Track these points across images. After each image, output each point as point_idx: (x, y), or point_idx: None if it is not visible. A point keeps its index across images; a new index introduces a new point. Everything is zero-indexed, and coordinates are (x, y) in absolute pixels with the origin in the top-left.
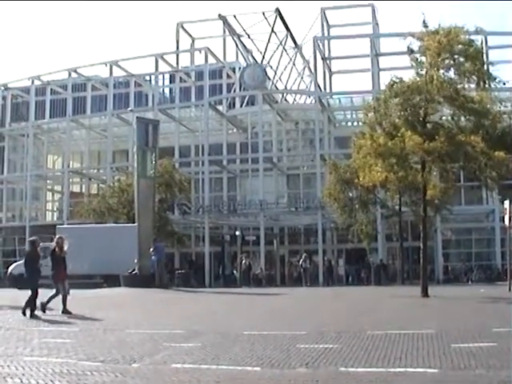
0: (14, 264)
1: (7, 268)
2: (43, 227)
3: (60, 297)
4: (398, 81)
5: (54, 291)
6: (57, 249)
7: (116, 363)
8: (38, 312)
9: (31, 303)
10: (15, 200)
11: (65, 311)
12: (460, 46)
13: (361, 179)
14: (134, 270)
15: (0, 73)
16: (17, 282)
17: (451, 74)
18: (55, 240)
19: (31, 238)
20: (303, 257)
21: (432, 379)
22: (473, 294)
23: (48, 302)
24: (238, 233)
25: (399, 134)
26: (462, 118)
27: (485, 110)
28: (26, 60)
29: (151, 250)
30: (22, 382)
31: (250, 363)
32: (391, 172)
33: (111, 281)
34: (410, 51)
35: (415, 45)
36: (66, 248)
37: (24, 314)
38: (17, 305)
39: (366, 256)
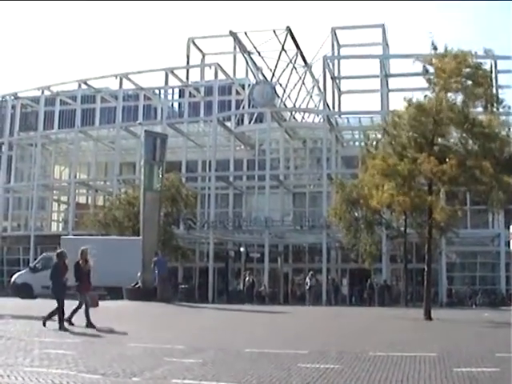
0: (18, 273)
1: (11, 277)
2: (48, 237)
3: (83, 309)
4: (408, 104)
5: (77, 303)
6: (81, 261)
7: (116, 377)
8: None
9: (54, 315)
10: (21, 209)
11: (89, 325)
12: (468, 70)
13: (368, 200)
14: (137, 283)
15: (10, 82)
16: (19, 291)
17: (459, 97)
18: (80, 252)
19: (58, 251)
20: (309, 275)
21: None
22: (476, 318)
23: (72, 315)
24: (242, 249)
25: (408, 155)
26: (470, 141)
27: (493, 134)
28: (37, 70)
29: (152, 263)
30: None
31: (250, 381)
32: (398, 193)
33: (114, 293)
34: (425, 71)
35: (424, 67)
36: (91, 261)
37: (44, 325)
38: (19, 314)
39: (369, 276)
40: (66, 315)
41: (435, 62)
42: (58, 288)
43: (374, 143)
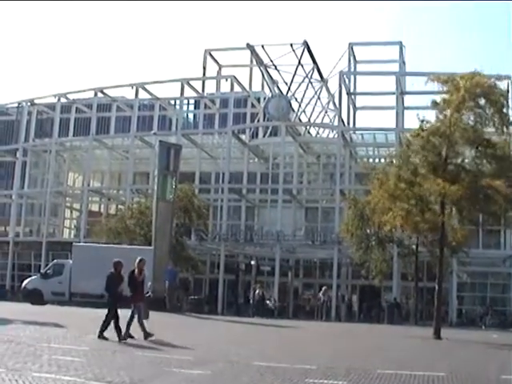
0: (29, 279)
1: (21, 282)
2: (60, 244)
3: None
4: (421, 129)
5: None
6: (136, 271)
7: None
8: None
9: (108, 325)
10: (34, 215)
11: (146, 335)
12: (483, 90)
13: (376, 219)
14: (147, 292)
15: (27, 89)
16: (30, 297)
17: (473, 117)
18: (136, 261)
19: (115, 260)
20: (323, 290)
21: None
22: (485, 338)
23: (128, 329)
24: (253, 262)
25: (418, 179)
26: (484, 161)
27: (507, 155)
28: (54, 78)
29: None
30: None
31: None
32: (408, 215)
33: (124, 302)
34: (435, 103)
35: (439, 86)
36: (146, 271)
37: (99, 337)
38: (29, 319)
39: (379, 293)
40: (121, 328)
41: (450, 85)
42: (113, 298)
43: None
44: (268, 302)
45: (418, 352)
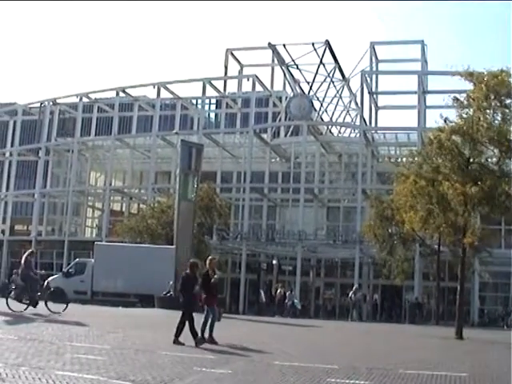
0: (51, 277)
1: (44, 281)
2: (81, 243)
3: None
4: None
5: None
6: (210, 271)
7: None
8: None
9: (182, 328)
10: (56, 214)
11: (210, 340)
12: (508, 90)
13: (398, 217)
14: (168, 291)
15: (49, 88)
16: (52, 296)
17: (497, 116)
18: (208, 262)
19: (192, 260)
20: (354, 289)
21: None
22: (507, 339)
23: (203, 331)
24: (274, 262)
25: (439, 178)
26: (507, 161)
27: None
28: (76, 77)
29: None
30: None
31: None
32: (430, 215)
33: (145, 301)
34: (456, 100)
35: (463, 83)
36: (217, 272)
37: (175, 342)
38: (51, 318)
39: (401, 293)
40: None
41: (475, 82)
42: (189, 300)
43: (408, 162)
44: (295, 300)
45: (440, 352)
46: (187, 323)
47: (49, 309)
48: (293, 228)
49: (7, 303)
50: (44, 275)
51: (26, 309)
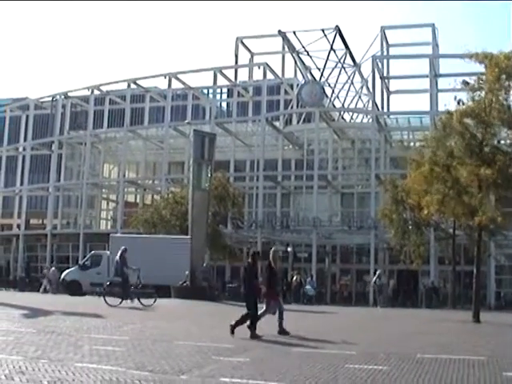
0: (67, 270)
1: (60, 274)
2: (97, 235)
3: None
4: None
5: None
6: (272, 263)
7: (165, 373)
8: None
9: (245, 322)
10: (70, 207)
11: (281, 331)
12: None
13: (412, 202)
14: (185, 281)
15: (61, 82)
16: (69, 288)
17: (510, 97)
18: (271, 253)
19: (253, 250)
20: (377, 273)
21: None
22: None
23: (281, 324)
24: (289, 249)
25: (454, 163)
26: None
27: None
28: (87, 70)
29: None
30: None
31: (296, 381)
32: (445, 199)
33: (162, 292)
34: (466, 83)
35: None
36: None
37: (252, 337)
38: (68, 310)
39: (417, 278)
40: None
41: (487, 63)
42: (251, 292)
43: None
44: (307, 287)
45: (458, 336)
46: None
47: (141, 303)
48: (307, 215)
49: (104, 298)
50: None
51: (120, 303)
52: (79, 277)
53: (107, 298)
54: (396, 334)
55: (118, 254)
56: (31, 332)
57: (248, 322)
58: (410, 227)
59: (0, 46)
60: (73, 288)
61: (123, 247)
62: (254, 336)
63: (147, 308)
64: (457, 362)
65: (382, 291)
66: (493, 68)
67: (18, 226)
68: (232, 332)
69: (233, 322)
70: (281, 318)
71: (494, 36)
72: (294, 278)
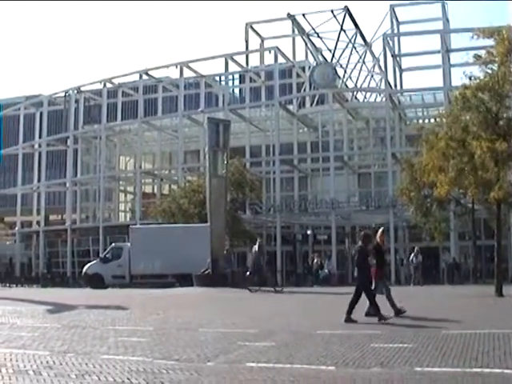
0: (89, 264)
1: (82, 268)
2: (116, 227)
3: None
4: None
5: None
6: (380, 243)
7: (191, 362)
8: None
9: (373, 304)
10: (89, 201)
11: (398, 311)
12: None
13: (427, 180)
14: (206, 269)
15: (73, 77)
16: (91, 282)
17: None
18: (379, 233)
19: (365, 232)
20: (415, 251)
21: (510, 380)
22: None
23: (394, 305)
24: (309, 232)
25: (469, 137)
26: None
27: None
28: (98, 63)
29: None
30: (99, 379)
31: (324, 362)
32: (462, 174)
33: (184, 280)
34: (477, 57)
35: (485, 42)
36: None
37: (347, 321)
38: (92, 304)
39: (437, 255)
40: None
41: (497, 36)
42: (366, 275)
43: (436, 123)
44: (326, 270)
45: (482, 310)
46: (362, 298)
47: (249, 289)
48: (325, 197)
49: (248, 288)
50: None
51: (256, 291)
52: (101, 270)
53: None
54: (420, 311)
55: (257, 246)
56: (56, 327)
57: (366, 308)
58: (430, 204)
59: (11, 45)
60: (95, 281)
61: (259, 240)
62: (350, 320)
63: (170, 297)
64: (482, 336)
65: (418, 269)
66: (502, 42)
67: (38, 223)
68: (351, 321)
69: (345, 316)
70: (389, 299)
71: (504, 8)
72: (315, 261)
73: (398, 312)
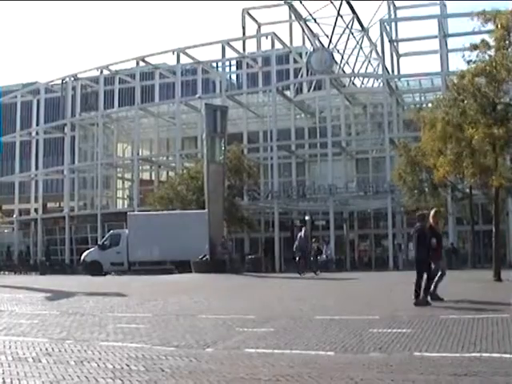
0: (87, 251)
1: (80, 255)
2: (114, 215)
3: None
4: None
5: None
6: (433, 224)
7: (190, 348)
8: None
9: (429, 287)
10: (86, 188)
11: (436, 296)
12: None
13: (426, 163)
14: (204, 255)
15: (69, 64)
16: (90, 269)
17: None
18: (433, 213)
19: (420, 212)
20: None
21: (509, 364)
22: None
23: (435, 287)
24: (307, 218)
25: (466, 122)
26: None
27: None
28: (95, 50)
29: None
30: (98, 366)
31: (323, 348)
32: (459, 159)
33: (182, 267)
34: (474, 47)
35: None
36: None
37: (438, 299)
38: (91, 291)
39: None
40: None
41: (496, 18)
42: (425, 256)
43: (433, 106)
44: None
45: (480, 295)
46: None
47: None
48: (323, 183)
49: (299, 271)
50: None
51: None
52: (99, 257)
53: None
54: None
55: (303, 232)
56: (55, 314)
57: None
58: (427, 189)
59: (7, 33)
60: (93, 268)
61: (305, 227)
62: (422, 302)
63: (169, 284)
64: (480, 320)
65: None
66: (500, 27)
67: (36, 211)
68: (425, 303)
69: (413, 297)
70: (436, 281)
71: None
72: (313, 246)
73: (435, 297)
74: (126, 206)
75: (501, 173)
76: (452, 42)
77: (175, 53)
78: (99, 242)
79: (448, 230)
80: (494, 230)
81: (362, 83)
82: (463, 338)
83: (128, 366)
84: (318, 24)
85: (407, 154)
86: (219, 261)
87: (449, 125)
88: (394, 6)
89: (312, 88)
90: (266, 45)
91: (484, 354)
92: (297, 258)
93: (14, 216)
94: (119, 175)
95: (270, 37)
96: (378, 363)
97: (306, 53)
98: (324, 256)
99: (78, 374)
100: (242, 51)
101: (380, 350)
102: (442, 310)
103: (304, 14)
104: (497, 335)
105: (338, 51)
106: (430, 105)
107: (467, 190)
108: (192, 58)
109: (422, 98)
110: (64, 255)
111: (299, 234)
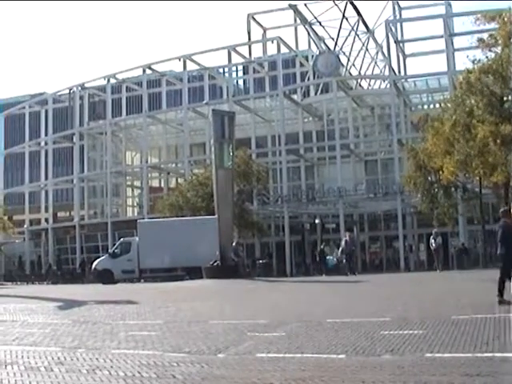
0: (98, 260)
1: (91, 264)
2: (124, 223)
3: None
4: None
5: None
6: (509, 220)
7: (201, 354)
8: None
9: (504, 285)
10: (96, 197)
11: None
12: None
13: (433, 165)
14: (215, 261)
15: (77, 74)
16: (101, 277)
17: None
18: (506, 209)
19: (505, 208)
20: (433, 234)
21: None
22: None
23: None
24: (317, 221)
25: (474, 122)
26: None
27: None
28: (101, 60)
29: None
30: (110, 374)
31: (334, 351)
32: (467, 158)
33: (193, 273)
34: (482, 42)
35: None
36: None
37: (500, 303)
38: (102, 299)
39: (446, 240)
40: None
41: (499, 19)
42: (509, 251)
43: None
44: (329, 257)
45: (492, 295)
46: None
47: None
48: (332, 185)
49: (346, 272)
50: None
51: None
52: (110, 265)
53: None
54: (430, 296)
55: (348, 238)
56: (67, 323)
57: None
58: (437, 190)
59: (14, 45)
60: (105, 277)
61: (350, 233)
62: (503, 301)
63: (180, 290)
64: (493, 320)
65: (438, 252)
66: (505, 24)
67: (46, 220)
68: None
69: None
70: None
71: None
72: (324, 249)
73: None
74: (135, 214)
75: (503, 169)
76: (458, 42)
77: (181, 60)
78: (110, 251)
79: (459, 229)
80: None
81: (369, 85)
82: (475, 339)
83: (140, 373)
84: (323, 27)
85: (414, 158)
86: (230, 266)
87: (456, 125)
88: (399, 6)
89: (319, 91)
90: (271, 49)
91: (497, 355)
92: (343, 261)
93: (25, 226)
94: (128, 183)
95: (275, 41)
96: (390, 365)
97: (312, 56)
98: (334, 259)
99: (89, 382)
100: (248, 56)
101: (391, 351)
102: (454, 310)
103: (309, 18)
104: (510, 336)
105: (344, 53)
106: (437, 106)
107: (477, 190)
108: (198, 64)
109: (430, 98)
110: (75, 264)
111: (344, 239)
